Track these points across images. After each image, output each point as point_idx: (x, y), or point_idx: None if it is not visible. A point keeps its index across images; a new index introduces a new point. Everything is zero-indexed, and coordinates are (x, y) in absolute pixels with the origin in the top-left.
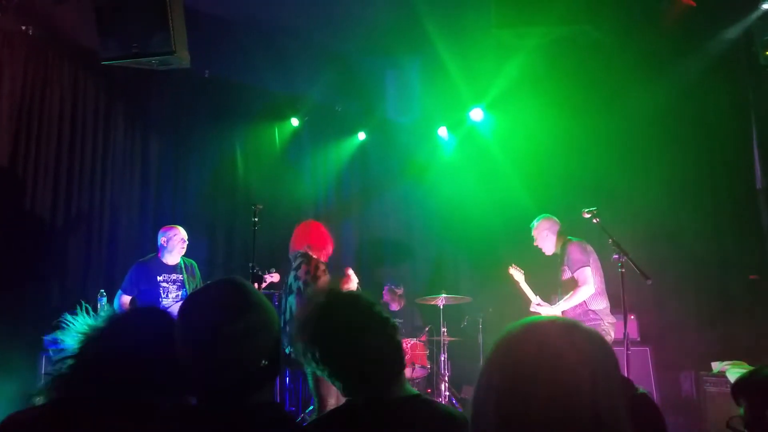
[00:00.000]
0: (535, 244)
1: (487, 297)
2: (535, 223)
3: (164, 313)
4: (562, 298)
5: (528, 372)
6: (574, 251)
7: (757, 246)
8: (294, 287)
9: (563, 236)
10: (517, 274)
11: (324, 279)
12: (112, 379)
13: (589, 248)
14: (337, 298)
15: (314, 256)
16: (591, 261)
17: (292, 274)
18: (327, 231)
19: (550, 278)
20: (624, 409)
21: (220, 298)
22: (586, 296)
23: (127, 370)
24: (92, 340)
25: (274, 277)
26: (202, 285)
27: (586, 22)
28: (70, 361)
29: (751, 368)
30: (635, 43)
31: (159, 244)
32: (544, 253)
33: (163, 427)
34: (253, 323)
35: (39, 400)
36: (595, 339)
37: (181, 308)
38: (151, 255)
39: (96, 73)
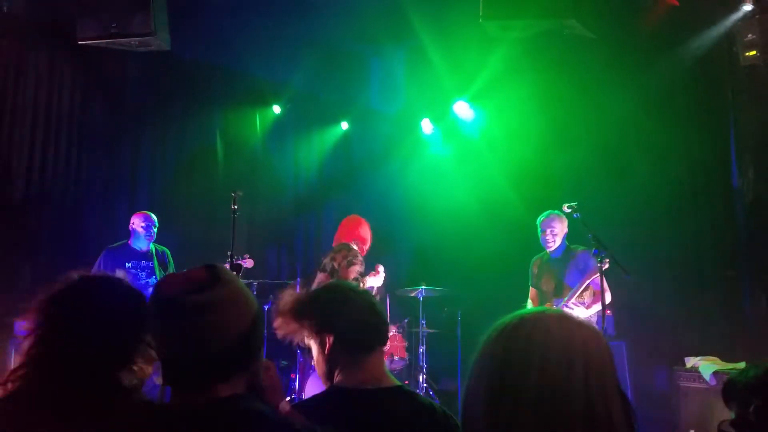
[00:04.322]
0: (550, 236)
1: (467, 289)
2: (560, 217)
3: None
4: (564, 300)
5: (516, 366)
6: (592, 260)
7: (732, 243)
8: (327, 267)
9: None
10: None
11: (356, 268)
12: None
13: None
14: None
15: (355, 248)
16: None
17: (330, 255)
18: (368, 226)
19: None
20: (619, 402)
21: (190, 274)
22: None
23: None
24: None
25: (247, 263)
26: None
27: (570, 15)
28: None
29: (727, 365)
30: (619, 39)
31: (129, 229)
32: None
33: (125, 422)
34: (219, 298)
35: None
36: (586, 329)
37: (154, 286)
38: (122, 241)
39: (73, 53)
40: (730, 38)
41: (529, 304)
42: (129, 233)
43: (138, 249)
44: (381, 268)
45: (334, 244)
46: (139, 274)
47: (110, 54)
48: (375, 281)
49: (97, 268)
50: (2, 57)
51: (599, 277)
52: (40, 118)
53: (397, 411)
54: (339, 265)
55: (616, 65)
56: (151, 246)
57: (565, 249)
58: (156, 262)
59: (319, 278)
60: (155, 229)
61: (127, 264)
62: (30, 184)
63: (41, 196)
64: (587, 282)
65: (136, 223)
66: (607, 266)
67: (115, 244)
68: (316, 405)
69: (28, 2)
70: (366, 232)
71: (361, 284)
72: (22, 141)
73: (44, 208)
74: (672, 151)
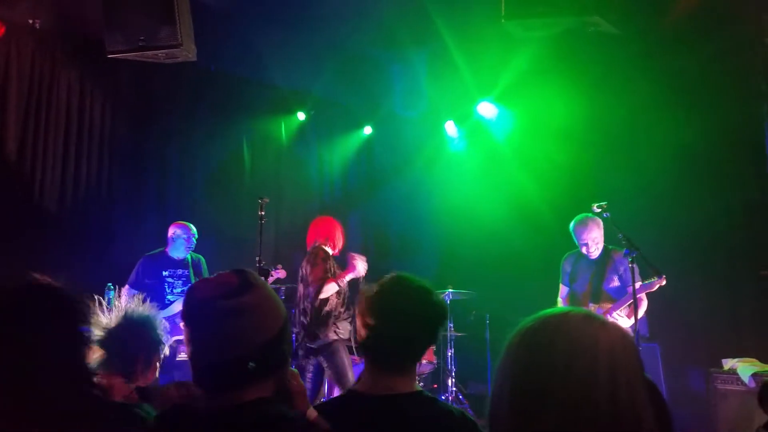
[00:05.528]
0: (593, 246)
1: (495, 292)
2: (597, 223)
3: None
4: (605, 310)
5: (541, 368)
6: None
7: None
8: (299, 276)
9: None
10: None
11: (321, 266)
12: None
13: None
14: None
15: (323, 247)
16: None
17: (301, 265)
18: (337, 223)
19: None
20: (646, 403)
21: (220, 279)
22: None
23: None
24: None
25: (280, 273)
26: None
27: (593, 12)
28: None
29: (766, 366)
30: (645, 34)
31: (167, 238)
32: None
33: (158, 426)
34: (249, 304)
35: None
36: (612, 329)
37: (186, 291)
38: (159, 249)
39: (102, 66)
40: (761, 28)
41: (559, 303)
42: (165, 242)
43: (175, 257)
44: (356, 258)
45: (308, 249)
46: (175, 282)
47: (137, 66)
48: (356, 273)
49: (135, 276)
50: (35, 72)
51: (638, 286)
52: (72, 131)
53: (412, 417)
54: (306, 271)
55: (642, 61)
56: (188, 254)
57: (604, 250)
58: (191, 271)
59: (299, 291)
60: (195, 240)
61: (164, 272)
62: (62, 196)
63: (73, 208)
64: (634, 298)
65: (178, 233)
66: (664, 282)
67: (153, 252)
68: (329, 409)
69: (59, 18)
70: (332, 228)
71: (340, 284)
72: (55, 154)
73: (75, 220)
74: (704, 147)
